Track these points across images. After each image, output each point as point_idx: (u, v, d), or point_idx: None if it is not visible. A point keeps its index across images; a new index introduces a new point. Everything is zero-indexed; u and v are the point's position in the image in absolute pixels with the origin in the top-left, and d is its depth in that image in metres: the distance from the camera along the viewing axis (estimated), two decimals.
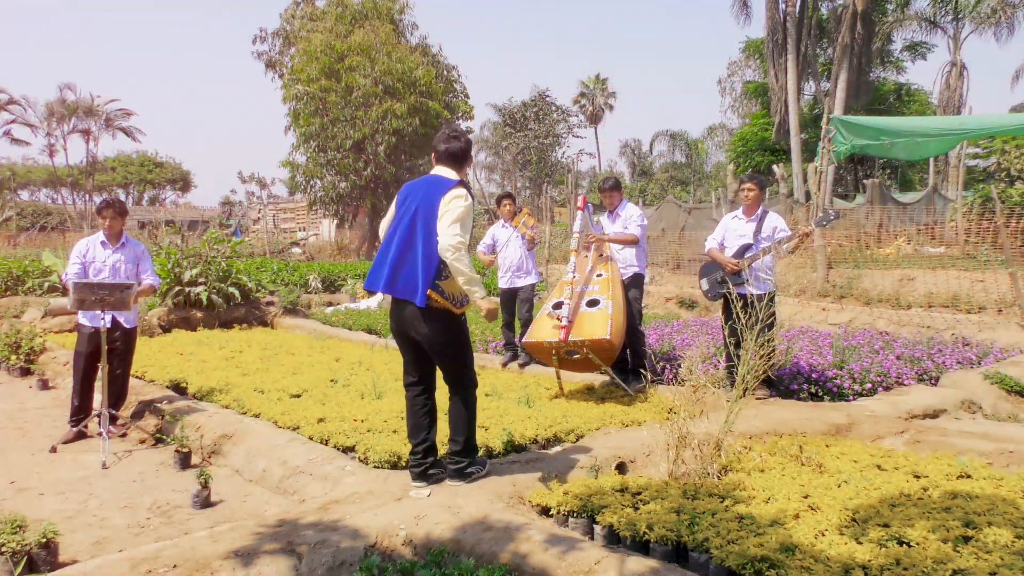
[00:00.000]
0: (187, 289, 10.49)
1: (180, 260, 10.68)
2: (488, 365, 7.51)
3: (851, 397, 6.28)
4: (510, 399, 5.81)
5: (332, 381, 6.58)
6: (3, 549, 3.24)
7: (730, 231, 6.30)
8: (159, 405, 6.03)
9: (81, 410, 5.84)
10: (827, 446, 4.56)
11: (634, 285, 6.44)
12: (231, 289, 10.85)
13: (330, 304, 13.14)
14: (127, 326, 5.89)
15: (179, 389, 6.69)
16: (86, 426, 5.78)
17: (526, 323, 7.33)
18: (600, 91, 49.73)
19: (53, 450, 5.38)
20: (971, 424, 5.42)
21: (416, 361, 4.02)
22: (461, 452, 3.98)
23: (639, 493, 3.69)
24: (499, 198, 7.65)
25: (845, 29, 23.12)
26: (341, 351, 8.37)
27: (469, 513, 3.43)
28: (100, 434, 5.31)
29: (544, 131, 41.66)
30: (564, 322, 5.70)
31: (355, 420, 5.09)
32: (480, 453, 4.46)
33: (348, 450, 4.62)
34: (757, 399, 5.73)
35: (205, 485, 4.30)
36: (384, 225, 4.12)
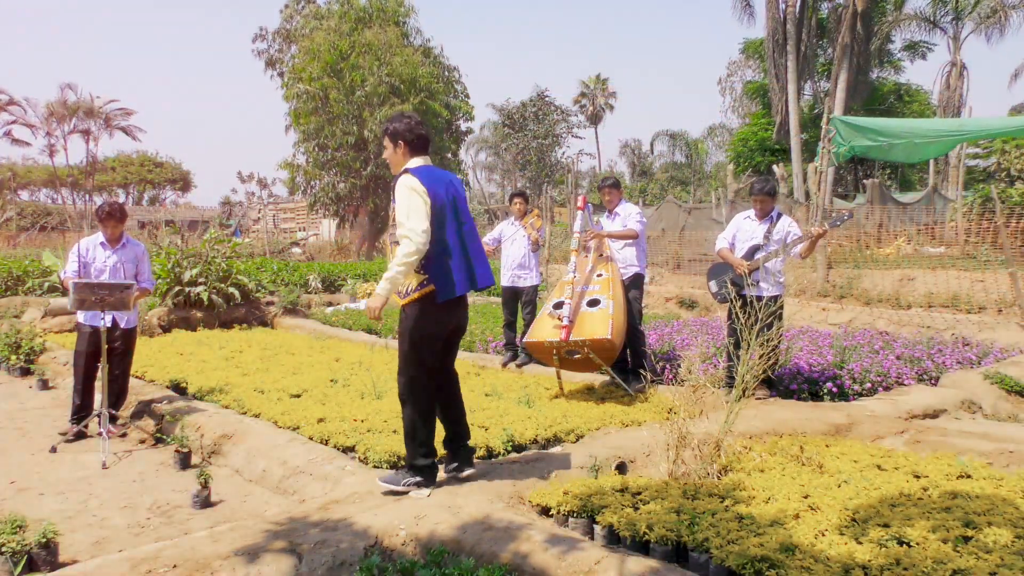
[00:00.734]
0: (187, 289, 10.50)
1: (180, 260, 10.68)
2: (488, 365, 7.51)
3: (851, 397, 6.28)
4: (510, 399, 5.82)
5: (332, 381, 6.58)
6: (3, 549, 3.25)
7: (741, 231, 6.26)
8: (159, 405, 6.03)
9: (82, 409, 5.85)
10: (827, 446, 4.56)
11: (634, 285, 6.44)
12: (231, 289, 10.86)
13: (330, 304, 13.14)
14: (126, 327, 5.90)
15: (179, 389, 6.69)
16: (86, 426, 5.79)
17: (529, 324, 7.35)
18: (600, 91, 49.75)
19: (53, 450, 5.38)
20: (971, 424, 5.42)
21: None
22: None
23: (639, 493, 3.69)
24: (512, 196, 7.71)
25: (845, 29, 23.12)
26: (341, 351, 8.37)
27: (469, 513, 3.43)
28: (100, 434, 5.31)
29: (544, 131, 41.68)
30: (565, 322, 5.71)
31: (355, 420, 5.10)
32: (480, 453, 4.47)
33: (348, 450, 4.62)
34: (757, 399, 5.73)
35: (205, 485, 4.30)
36: (426, 220, 3.70)
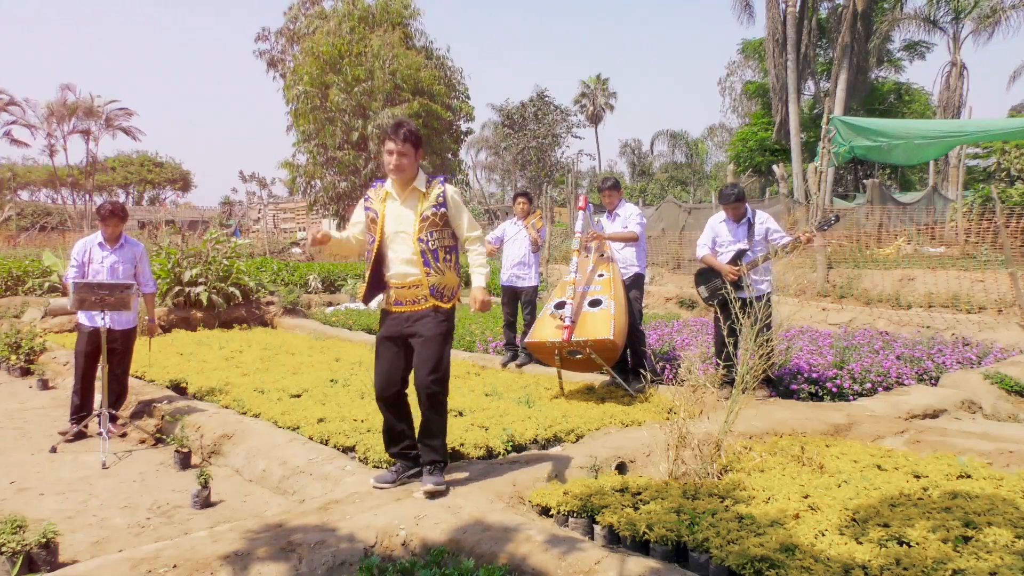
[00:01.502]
0: (187, 289, 10.50)
1: (180, 260, 10.69)
2: (488, 365, 7.51)
3: (851, 397, 6.28)
4: (510, 399, 5.81)
5: (332, 381, 6.58)
6: (3, 549, 3.24)
7: (720, 234, 6.23)
8: (159, 405, 6.04)
9: (82, 408, 5.86)
10: (827, 446, 4.56)
11: (635, 285, 6.44)
12: (231, 289, 10.86)
13: (330, 304, 13.15)
14: (126, 327, 5.89)
15: (179, 389, 6.69)
16: (86, 425, 5.79)
17: (529, 325, 7.35)
18: (601, 91, 49.75)
19: (53, 450, 5.38)
20: (971, 424, 5.42)
21: None
22: None
23: (639, 493, 3.69)
24: (515, 195, 7.73)
25: (845, 29, 23.13)
26: (341, 351, 8.37)
27: (469, 513, 3.43)
28: (100, 434, 5.31)
29: (544, 131, 41.68)
30: (567, 322, 5.71)
31: (355, 420, 5.09)
32: (480, 453, 4.47)
33: (348, 450, 4.62)
34: (757, 399, 5.73)
35: (205, 485, 4.30)
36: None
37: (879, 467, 4.09)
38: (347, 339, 9.52)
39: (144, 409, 6.14)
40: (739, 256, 6.03)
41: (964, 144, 16.74)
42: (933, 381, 6.72)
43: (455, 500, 3.64)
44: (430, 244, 3.91)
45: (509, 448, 4.63)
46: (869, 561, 2.84)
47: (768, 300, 5.90)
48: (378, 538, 3.28)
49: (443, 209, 3.94)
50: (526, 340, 6.10)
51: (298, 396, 6.05)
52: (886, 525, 3.22)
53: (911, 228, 14.98)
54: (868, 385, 6.40)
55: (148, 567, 2.93)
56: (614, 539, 3.36)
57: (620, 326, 5.70)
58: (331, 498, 3.81)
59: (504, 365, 7.44)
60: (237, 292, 10.94)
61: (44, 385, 7.56)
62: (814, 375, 6.50)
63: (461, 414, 5.33)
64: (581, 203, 6.39)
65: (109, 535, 3.87)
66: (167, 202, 54.17)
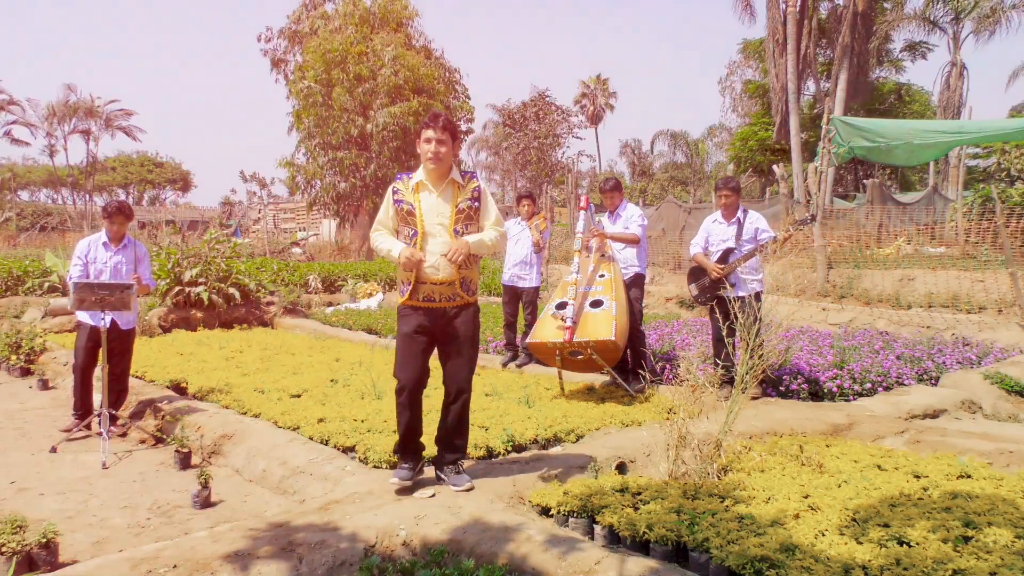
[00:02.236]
0: (187, 289, 10.49)
1: (180, 260, 10.69)
2: (488, 365, 7.51)
3: (851, 397, 6.28)
4: (510, 399, 5.81)
5: (332, 381, 6.58)
6: (3, 549, 3.24)
7: (712, 234, 6.31)
8: (159, 405, 6.04)
9: (81, 407, 5.87)
10: (827, 446, 4.56)
11: (635, 285, 6.45)
12: (231, 289, 10.86)
13: (330, 304, 13.14)
14: (125, 327, 5.89)
15: (179, 389, 6.69)
16: (87, 425, 5.79)
17: (530, 325, 7.36)
18: (601, 91, 49.75)
19: (53, 450, 5.38)
20: (971, 424, 5.42)
21: None
22: None
23: (639, 493, 3.69)
24: (519, 197, 7.74)
25: (845, 29, 23.14)
26: (341, 351, 8.37)
27: (469, 513, 3.43)
28: (100, 434, 5.32)
29: (544, 131, 41.69)
30: (568, 323, 5.70)
31: (355, 420, 5.09)
32: (480, 453, 4.47)
33: (348, 450, 4.62)
34: (752, 398, 5.73)
35: (205, 485, 4.30)
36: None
37: (879, 467, 4.09)
38: (347, 339, 9.52)
39: (144, 409, 6.14)
40: (726, 255, 6.08)
41: (964, 145, 16.74)
42: (933, 381, 6.72)
43: (455, 500, 3.64)
44: (464, 237, 3.88)
45: (509, 448, 4.63)
46: (869, 561, 2.84)
47: (758, 298, 5.94)
48: (378, 538, 3.28)
49: (477, 204, 3.93)
50: (527, 340, 6.10)
51: (298, 396, 6.05)
52: (886, 525, 3.22)
53: (911, 228, 14.99)
54: (868, 385, 6.40)
55: (148, 567, 2.93)
56: (614, 539, 3.36)
57: (621, 327, 5.71)
58: (331, 498, 3.81)
59: (504, 365, 7.44)
60: (237, 292, 10.94)
61: (44, 385, 7.56)
62: (814, 375, 6.50)
63: None
64: (583, 203, 6.40)
65: (109, 535, 3.87)
66: (167, 202, 54.21)
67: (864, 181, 23.62)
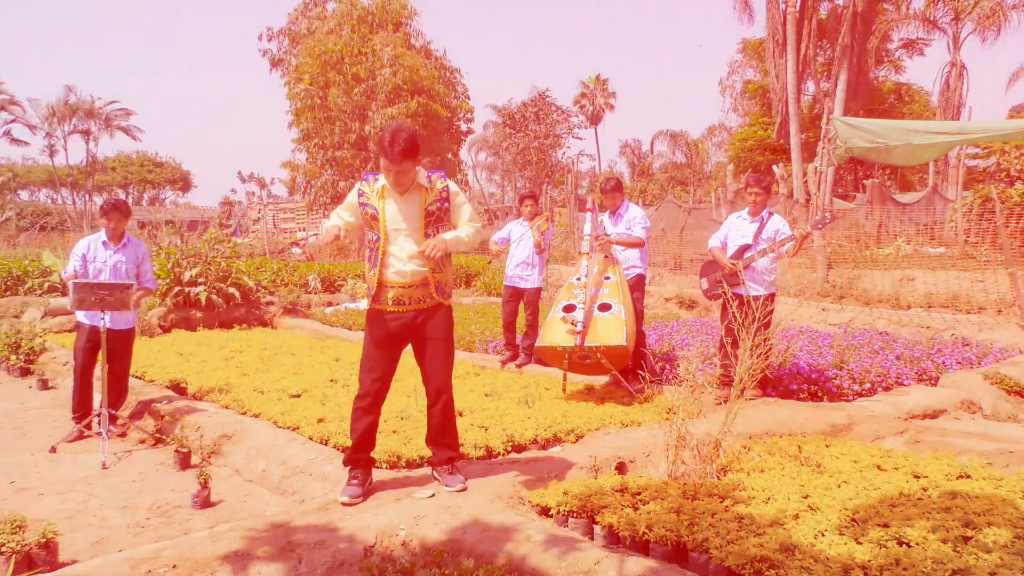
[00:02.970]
0: (187, 289, 10.49)
1: (180, 260, 10.68)
2: (488, 365, 7.51)
3: (851, 397, 6.28)
4: (510, 399, 5.81)
5: (332, 381, 6.58)
6: (3, 549, 3.24)
7: (733, 231, 6.28)
8: (159, 405, 6.03)
9: (81, 407, 5.86)
10: (827, 446, 4.56)
11: (636, 286, 6.45)
12: (231, 289, 10.86)
13: (330, 304, 13.14)
14: (125, 327, 5.88)
15: (179, 389, 6.69)
16: (88, 425, 5.79)
17: (531, 326, 7.36)
18: (600, 91, 49.73)
19: (53, 450, 5.38)
20: (971, 424, 5.42)
21: None
22: None
23: (639, 493, 3.69)
24: (522, 197, 7.73)
25: (845, 29, 23.15)
26: (341, 351, 8.36)
27: (469, 513, 3.43)
28: (100, 434, 5.32)
29: (544, 131, 41.68)
30: (579, 327, 5.70)
31: None
32: (480, 453, 4.47)
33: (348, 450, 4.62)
34: (748, 399, 5.72)
35: (205, 485, 4.30)
36: None
37: (879, 467, 4.09)
38: (347, 339, 9.52)
39: (144, 409, 6.14)
40: (742, 252, 6.06)
41: (964, 145, 16.75)
42: (933, 381, 6.72)
43: (455, 500, 3.64)
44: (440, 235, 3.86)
45: (509, 448, 4.63)
46: (869, 561, 2.84)
47: (770, 299, 5.90)
48: (378, 538, 3.28)
49: (447, 204, 3.88)
50: (536, 344, 6.07)
51: (298, 396, 6.04)
52: (886, 525, 3.22)
53: (911, 228, 14.99)
54: (868, 385, 6.40)
55: (148, 567, 2.93)
56: (614, 539, 3.36)
57: (631, 332, 5.72)
58: (331, 498, 3.81)
59: (504, 365, 7.44)
60: (237, 292, 10.94)
61: (44, 385, 7.56)
62: (814, 375, 6.50)
63: (461, 414, 5.31)
64: (589, 205, 6.38)
65: (109, 535, 3.87)
66: (167, 202, 54.22)
67: (864, 181, 23.61)
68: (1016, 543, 2.98)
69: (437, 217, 3.86)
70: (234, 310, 10.97)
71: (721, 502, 3.54)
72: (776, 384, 6.38)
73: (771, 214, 6.17)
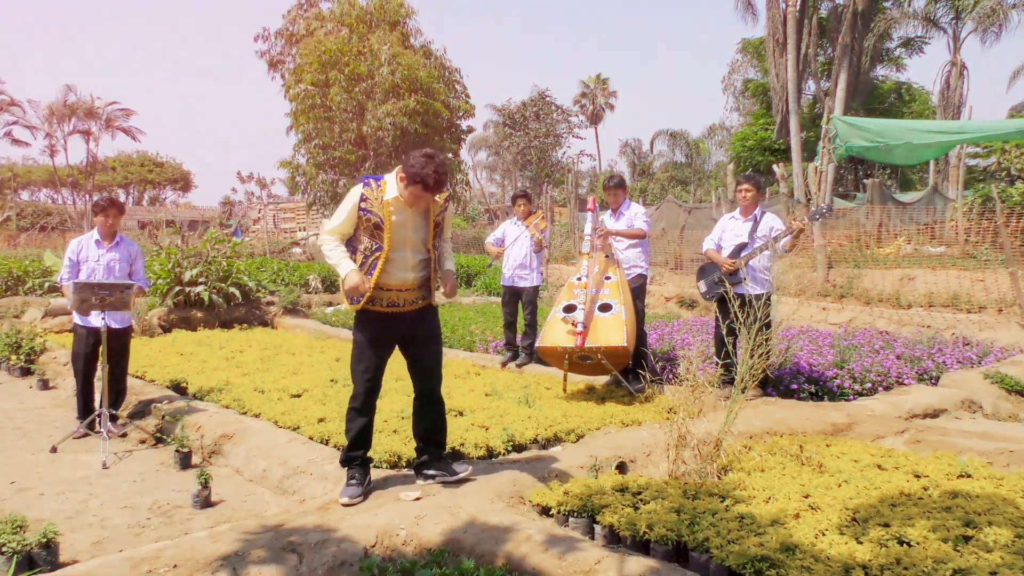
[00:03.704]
0: (187, 289, 10.49)
1: (180, 260, 10.68)
2: (488, 365, 7.51)
3: (851, 397, 6.28)
4: (510, 399, 5.81)
5: (332, 381, 6.58)
6: (3, 549, 3.25)
7: (727, 231, 6.29)
8: (159, 405, 6.03)
9: (87, 411, 5.86)
10: (827, 446, 4.56)
11: (637, 286, 6.45)
12: (231, 289, 10.86)
13: (330, 304, 13.14)
14: (121, 326, 5.85)
15: (179, 389, 6.69)
16: (91, 425, 5.78)
17: (530, 325, 7.36)
18: (601, 91, 49.72)
19: (53, 450, 5.38)
20: (971, 424, 5.42)
21: None
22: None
23: (639, 493, 3.69)
24: (514, 196, 7.71)
25: (845, 29, 23.13)
26: (341, 351, 8.36)
27: (469, 513, 3.43)
28: (99, 433, 5.31)
29: (544, 131, 41.68)
30: (579, 328, 5.70)
31: None
32: (480, 453, 4.46)
33: None
34: (748, 399, 5.72)
35: (205, 485, 4.30)
36: None
37: (879, 467, 4.09)
38: (347, 339, 9.47)
39: (144, 409, 6.14)
40: (738, 251, 6.06)
41: (964, 144, 16.75)
42: (933, 381, 6.71)
43: (455, 500, 3.64)
44: (435, 248, 3.94)
45: (509, 448, 4.63)
46: (869, 561, 2.84)
47: (768, 299, 5.90)
48: (378, 538, 3.28)
49: (444, 215, 3.96)
50: (537, 345, 6.07)
51: (298, 396, 6.05)
52: (886, 525, 3.22)
53: (911, 228, 14.99)
54: (868, 385, 6.40)
55: (148, 567, 2.93)
56: (614, 539, 3.36)
57: (632, 332, 5.73)
58: (331, 498, 3.81)
59: (504, 365, 7.44)
60: (237, 292, 10.94)
61: (44, 385, 7.56)
62: (814, 375, 6.50)
63: (461, 414, 5.32)
64: (589, 205, 6.38)
65: (109, 535, 3.87)
66: (167, 202, 54.23)
67: (864, 181, 23.61)
68: (1017, 542, 2.98)
69: (440, 228, 3.93)
70: (234, 310, 10.97)
71: (722, 502, 3.54)
72: (776, 384, 6.38)
73: (763, 212, 6.18)
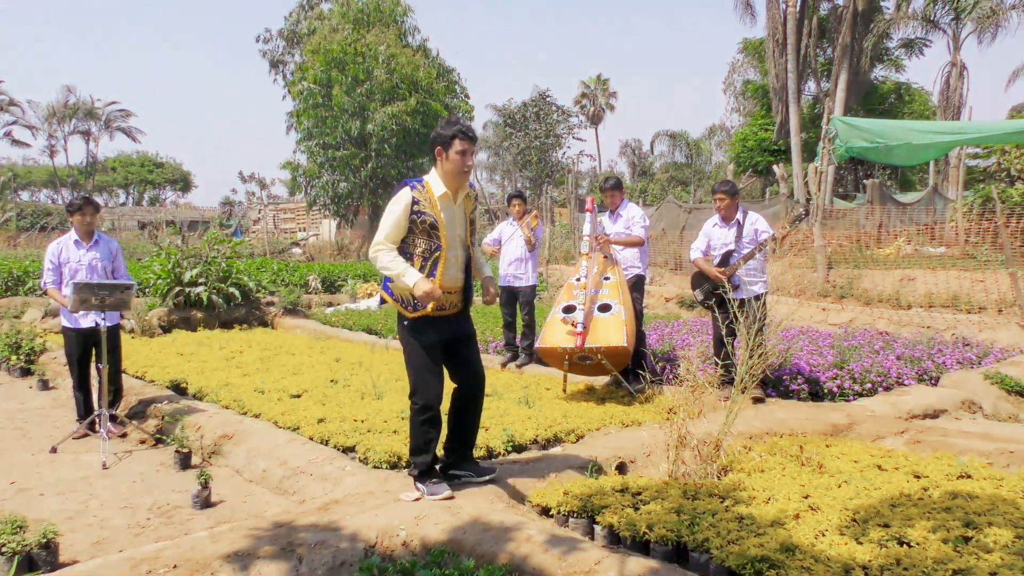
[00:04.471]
0: (187, 289, 10.49)
1: (180, 260, 10.68)
2: (488, 365, 7.50)
3: (851, 397, 6.28)
4: (510, 399, 5.81)
5: (332, 381, 6.58)
6: (3, 549, 3.25)
7: (714, 238, 6.27)
8: (159, 405, 6.03)
9: (85, 407, 5.86)
10: (827, 446, 4.56)
11: (636, 287, 6.45)
12: (231, 289, 10.85)
13: (330, 304, 13.14)
14: (111, 323, 5.81)
15: (179, 389, 6.69)
16: (91, 425, 5.78)
17: (528, 326, 7.36)
18: (601, 91, 49.73)
19: (53, 450, 5.38)
20: (971, 424, 5.42)
21: None
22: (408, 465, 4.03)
23: (639, 493, 3.69)
24: (510, 197, 7.74)
25: (845, 29, 23.14)
26: (341, 351, 8.36)
27: (469, 513, 3.43)
28: (99, 433, 5.31)
29: (544, 131, 41.67)
30: (579, 328, 5.70)
31: (355, 420, 5.09)
32: (480, 453, 4.46)
33: (348, 450, 4.62)
34: (752, 400, 5.72)
35: (205, 485, 4.30)
36: None
37: (879, 467, 4.10)
38: (347, 339, 9.52)
39: (144, 409, 6.14)
40: (727, 258, 6.06)
41: (964, 145, 16.75)
42: (933, 381, 6.72)
43: (455, 500, 3.64)
44: (472, 246, 3.95)
45: (509, 448, 4.63)
46: (869, 561, 2.84)
47: (763, 301, 5.91)
48: (378, 538, 3.28)
49: (475, 213, 3.98)
50: (537, 345, 6.08)
51: (298, 396, 6.05)
52: (886, 525, 3.22)
53: (911, 228, 14.98)
54: (868, 385, 6.40)
55: (148, 567, 2.93)
56: (614, 539, 3.36)
57: (631, 332, 5.73)
58: (331, 498, 3.81)
59: (504, 365, 7.44)
60: (237, 292, 10.94)
61: (44, 385, 7.56)
62: (814, 375, 6.50)
63: None
64: (588, 205, 6.39)
65: (109, 535, 3.87)
66: (167, 202, 54.22)
67: (864, 181, 23.60)
68: (1017, 543, 2.98)
69: (473, 226, 3.94)
70: (234, 310, 10.97)
71: (722, 502, 3.54)
72: (776, 384, 6.38)
73: (746, 214, 6.15)
